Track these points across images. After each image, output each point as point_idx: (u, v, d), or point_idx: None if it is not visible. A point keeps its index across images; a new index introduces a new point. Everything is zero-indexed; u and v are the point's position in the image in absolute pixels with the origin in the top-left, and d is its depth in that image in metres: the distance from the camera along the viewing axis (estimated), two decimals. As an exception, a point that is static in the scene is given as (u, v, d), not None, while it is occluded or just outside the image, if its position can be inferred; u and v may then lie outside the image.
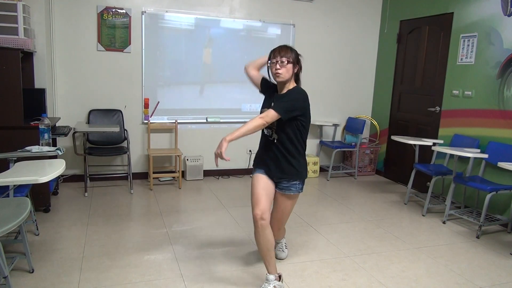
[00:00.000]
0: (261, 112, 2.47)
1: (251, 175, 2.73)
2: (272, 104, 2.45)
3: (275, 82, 2.53)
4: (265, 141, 2.58)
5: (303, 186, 2.59)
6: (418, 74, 4.90)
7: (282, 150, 2.49)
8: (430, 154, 4.51)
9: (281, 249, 2.97)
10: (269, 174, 2.57)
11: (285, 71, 2.41)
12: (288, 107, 2.37)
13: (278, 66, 2.40)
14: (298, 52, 2.50)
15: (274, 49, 2.47)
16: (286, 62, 2.40)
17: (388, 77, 5.43)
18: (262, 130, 2.57)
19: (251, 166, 5.28)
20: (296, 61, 2.46)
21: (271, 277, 2.47)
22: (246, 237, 3.32)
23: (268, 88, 2.64)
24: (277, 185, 2.58)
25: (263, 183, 2.53)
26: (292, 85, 2.50)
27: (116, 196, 4.23)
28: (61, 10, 4.30)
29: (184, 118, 4.90)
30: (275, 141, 2.50)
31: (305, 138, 2.53)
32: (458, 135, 4.25)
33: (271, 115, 2.33)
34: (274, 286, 2.46)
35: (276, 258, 2.82)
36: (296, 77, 2.52)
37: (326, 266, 2.88)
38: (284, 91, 2.49)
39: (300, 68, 2.50)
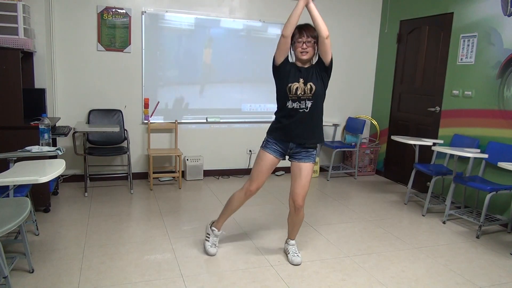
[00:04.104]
0: (295, 93, 2.65)
1: (261, 147, 2.85)
2: (301, 79, 2.63)
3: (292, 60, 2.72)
4: (295, 115, 2.68)
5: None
6: (418, 74, 4.90)
7: (315, 117, 2.70)
8: (430, 154, 4.51)
9: (296, 254, 2.96)
10: (284, 149, 2.78)
11: (310, 49, 2.60)
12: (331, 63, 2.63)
13: (305, 46, 2.58)
14: None
15: (298, 29, 2.60)
16: (313, 41, 2.59)
17: (388, 77, 5.43)
18: (285, 106, 2.69)
19: (251, 166, 5.27)
20: (316, 41, 2.61)
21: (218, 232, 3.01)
22: (246, 237, 3.32)
23: (288, 64, 2.71)
24: (293, 156, 2.78)
25: (270, 164, 2.79)
26: (310, 64, 2.69)
27: (116, 196, 4.23)
28: (61, 10, 4.30)
29: (184, 118, 4.90)
30: (307, 110, 2.66)
31: None
32: (458, 135, 4.25)
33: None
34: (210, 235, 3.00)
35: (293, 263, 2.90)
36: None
37: (326, 266, 2.88)
38: (308, 65, 2.68)
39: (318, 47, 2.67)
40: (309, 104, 2.66)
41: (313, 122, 2.72)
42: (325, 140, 5.54)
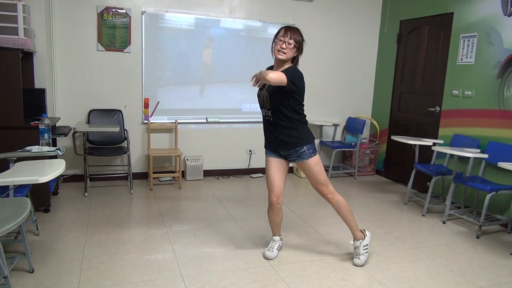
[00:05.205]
0: (259, 100, 2.76)
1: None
2: (265, 85, 2.65)
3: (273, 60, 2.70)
4: (265, 122, 2.80)
5: (314, 149, 2.75)
6: (418, 74, 4.90)
7: (279, 126, 2.68)
8: (430, 154, 4.51)
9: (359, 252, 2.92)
10: (277, 152, 2.80)
11: (289, 51, 2.56)
12: (293, 78, 2.50)
13: (284, 46, 2.55)
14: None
15: (285, 28, 2.59)
16: (293, 45, 2.56)
17: (388, 77, 5.43)
18: (262, 114, 2.79)
19: (251, 166, 5.28)
20: (299, 46, 2.60)
21: (276, 237, 3.04)
22: (246, 237, 3.32)
23: None
24: (288, 158, 2.79)
25: (275, 166, 2.80)
26: (288, 65, 2.63)
27: (116, 196, 4.23)
28: (61, 10, 4.30)
29: (184, 118, 4.90)
30: (271, 119, 2.69)
31: (301, 111, 2.69)
32: (458, 135, 4.25)
33: (282, 75, 2.43)
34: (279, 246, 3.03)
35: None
36: (294, 59, 2.65)
37: (326, 266, 2.88)
38: (280, 69, 2.61)
39: (301, 52, 2.65)
40: (269, 113, 2.69)
41: (277, 131, 2.70)
42: (325, 140, 5.57)
